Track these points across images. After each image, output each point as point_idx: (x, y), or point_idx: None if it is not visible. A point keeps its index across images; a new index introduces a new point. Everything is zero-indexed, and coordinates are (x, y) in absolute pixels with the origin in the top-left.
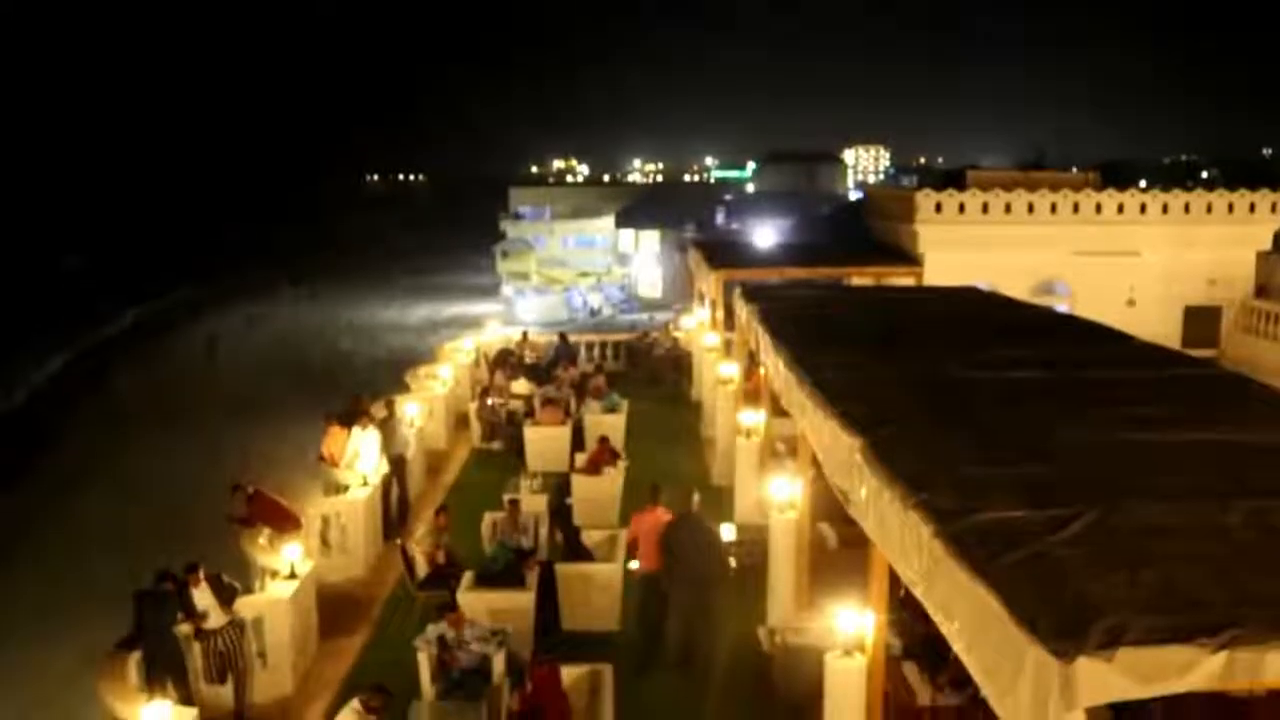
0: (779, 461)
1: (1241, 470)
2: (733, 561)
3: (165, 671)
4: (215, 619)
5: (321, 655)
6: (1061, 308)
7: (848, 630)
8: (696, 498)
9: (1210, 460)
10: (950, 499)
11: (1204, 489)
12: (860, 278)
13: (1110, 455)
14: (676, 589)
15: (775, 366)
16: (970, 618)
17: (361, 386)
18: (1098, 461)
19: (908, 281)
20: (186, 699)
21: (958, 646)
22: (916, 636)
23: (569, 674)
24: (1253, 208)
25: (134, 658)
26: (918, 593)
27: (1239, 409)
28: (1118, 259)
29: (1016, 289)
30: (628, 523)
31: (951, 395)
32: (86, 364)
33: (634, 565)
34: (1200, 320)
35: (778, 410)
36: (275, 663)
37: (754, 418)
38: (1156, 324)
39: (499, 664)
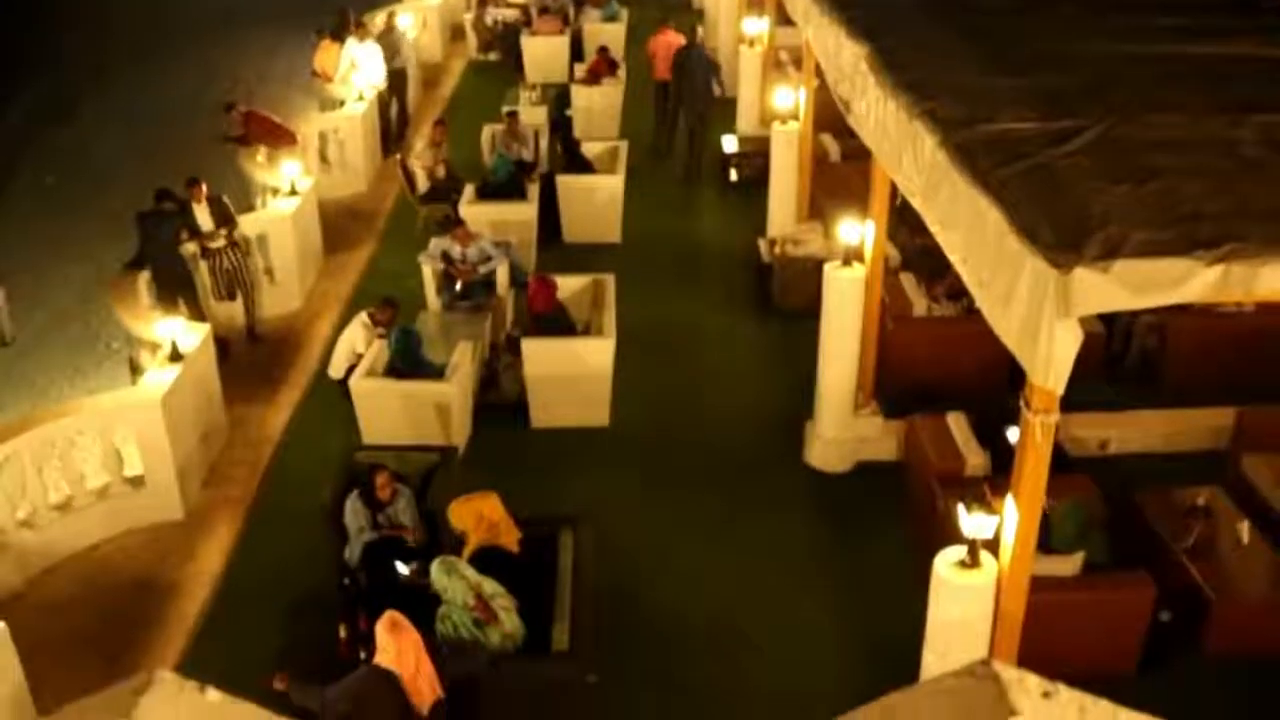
0: (782, 71)
1: (1260, 86)
2: (734, 174)
3: (175, 289)
4: (219, 238)
5: (327, 270)
6: None
7: (847, 241)
8: (700, 31)
9: (1230, 74)
10: (956, 109)
11: (1218, 103)
12: None
13: (1125, 67)
14: (683, 101)
15: None
16: (969, 228)
17: None
18: (1112, 73)
19: None
20: (199, 315)
21: (954, 257)
22: (914, 248)
23: (573, 283)
24: None
25: (143, 277)
26: (917, 204)
27: (1269, 22)
28: None
29: None
30: (627, 135)
31: (963, 1)
32: None
33: None
34: None
35: (782, 18)
36: (282, 279)
37: (758, 26)
38: None
39: (502, 275)
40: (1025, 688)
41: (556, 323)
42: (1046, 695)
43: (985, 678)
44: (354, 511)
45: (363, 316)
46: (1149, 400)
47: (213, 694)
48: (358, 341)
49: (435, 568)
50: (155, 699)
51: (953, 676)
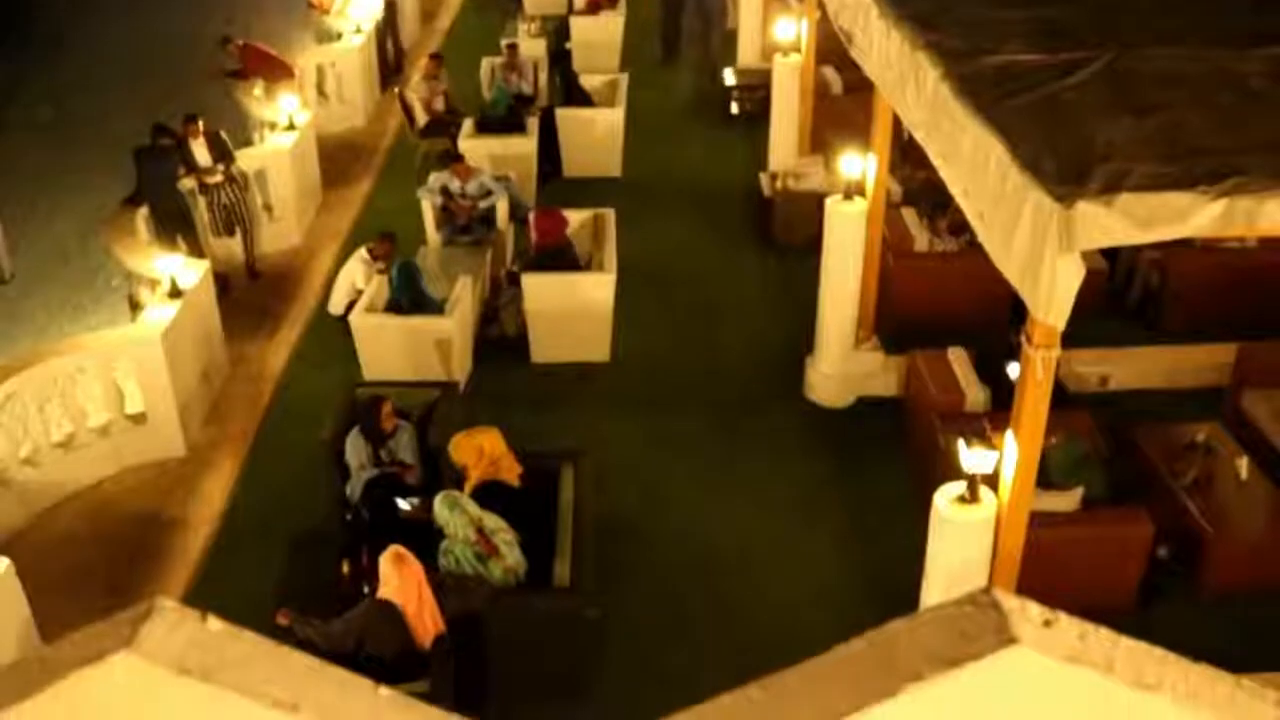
0: (784, 2)
1: (1263, 17)
2: (735, 107)
3: (173, 225)
4: (216, 174)
5: (327, 205)
6: None
7: (849, 175)
8: None
9: (1232, 7)
10: (960, 40)
11: (1226, 35)
12: None
13: None
14: (690, 16)
15: None
16: (971, 162)
17: None
18: (1113, 5)
19: None
20: (198, 252)
21: (956, 191)
22: (917, 183)
23: (573, 218)
24: None
25: (141, 213)
26: (919, 137)
27: None
28: None
29: None
30: (628, 67)
31: None
32: None
33: None
34: None
35: None
36: (281, 214)
37: None
38: None
39: (502, 210)
40: (1026, 616)
41: (564, 256)
42: (1047, 623)
43: (986, 606)
44: (355, 447)
45: (362, 252)
46: (1150, 336)
47: (214, 622)
48: (357, 277)
49: (438, 502)
50: (156, 627)
51: (954, 605)
